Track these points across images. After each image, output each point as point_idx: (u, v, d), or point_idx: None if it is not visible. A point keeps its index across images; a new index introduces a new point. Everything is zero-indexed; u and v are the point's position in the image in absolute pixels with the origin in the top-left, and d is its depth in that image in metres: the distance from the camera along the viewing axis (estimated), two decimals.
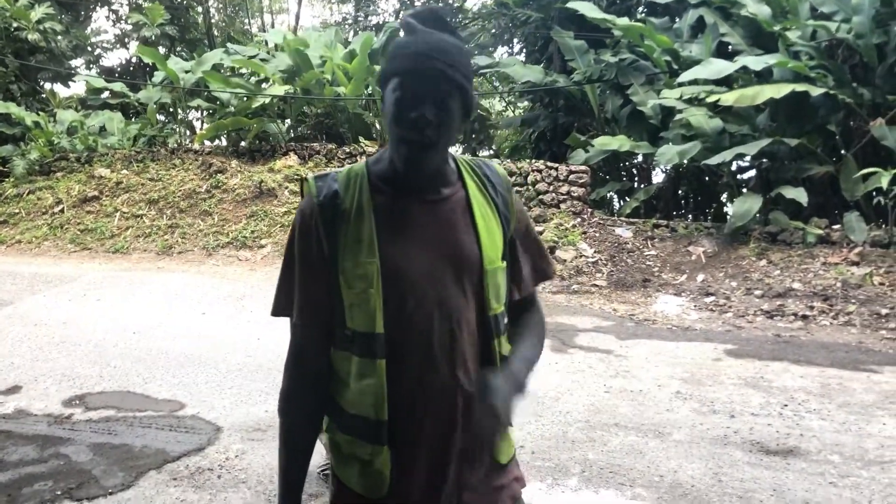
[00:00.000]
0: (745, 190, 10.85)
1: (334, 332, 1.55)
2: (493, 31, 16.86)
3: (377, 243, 1.47)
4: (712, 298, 8.24)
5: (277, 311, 1.60)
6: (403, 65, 1.43)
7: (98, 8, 22.42)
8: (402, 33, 1.50)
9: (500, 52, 18.70)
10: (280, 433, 1.62)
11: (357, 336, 1.49)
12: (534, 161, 12.50)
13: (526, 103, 17.01)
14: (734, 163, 10.87)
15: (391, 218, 1.50)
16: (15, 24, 16.52)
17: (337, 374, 1.56)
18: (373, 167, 1.57)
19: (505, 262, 1.59)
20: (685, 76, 10.07)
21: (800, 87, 8.92)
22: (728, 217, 10.65)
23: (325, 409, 1.60)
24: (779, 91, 8.90)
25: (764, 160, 10.39)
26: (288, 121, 15.04)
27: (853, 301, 7.60)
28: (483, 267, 1.52)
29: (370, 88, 13.43)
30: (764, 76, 10.05)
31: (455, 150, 15.96)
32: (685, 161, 10.00)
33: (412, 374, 1.48)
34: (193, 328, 7.33)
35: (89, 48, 21.15)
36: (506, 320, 1.62)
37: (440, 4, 19.45)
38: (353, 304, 1.49)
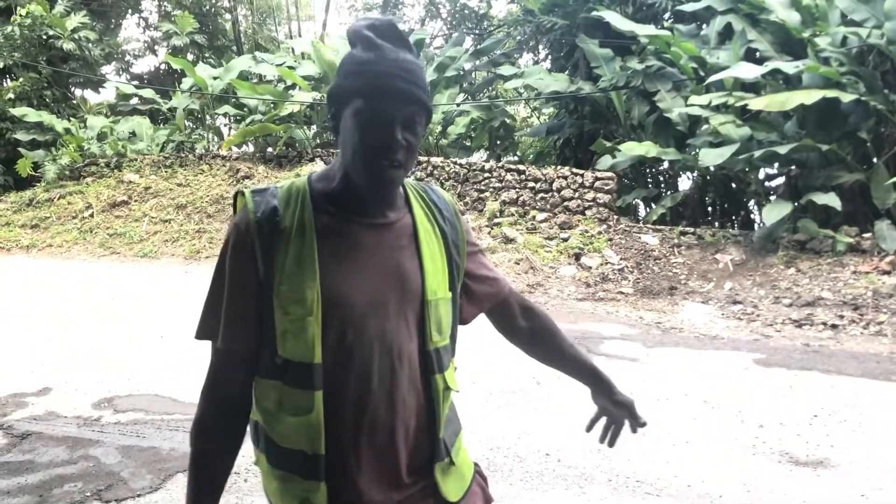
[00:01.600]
0: (773, 197, 10.74)
1: (259, 360, 1.42)
2: (519, 38, 16.85)
3: (318, 267, 1.36)
4: (740, 307, 8.16)
5: (201, 334, 1.48)
6: (369, 85, 1.34)
7: (129, 16, 22.75)
8: (358, 47, 1.38)
9: (526, 58, 18.73)
10: (190, 463, 1.48)
11: (291, 366, 1.37)
12: (559, 167, 12.48)
13: (551, 109, 16.98)
14: (762, 170, 10.78)
15: (334, 241, 1.40)
16: (50, 32, 16.80)
17: (261, 404, 1.44)
18: (316, 184, 1.46)
19: (451, 293, 1.52)
20: (716, 77, 10.00)
21: (830, 94, 8.82)
22: (756, 224, 10.55)
23: (240, 440, 1.48)
24: (809, 97, 8.81)
25: (793, 167, 10.29)
26: (314, 127, 15.13)
27: (884, 310, 7.48)
28: (425, 298, 1.44)
29: None
30: (793, 83, 9.96)
31: (480, 156, 16.03)
32: (724, 162, 9.88)
33: (350, 407, 1.39)
34: None
35: (120, 55, 21.46)
36: (451, 355, 1.54)
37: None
38: (288, 332, 1.36)
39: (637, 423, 1.85)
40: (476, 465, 1.65)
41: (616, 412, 1.92)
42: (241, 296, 1.40)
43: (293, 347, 1.37)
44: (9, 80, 17.78)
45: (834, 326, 7.33)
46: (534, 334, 1.75)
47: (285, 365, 1.38)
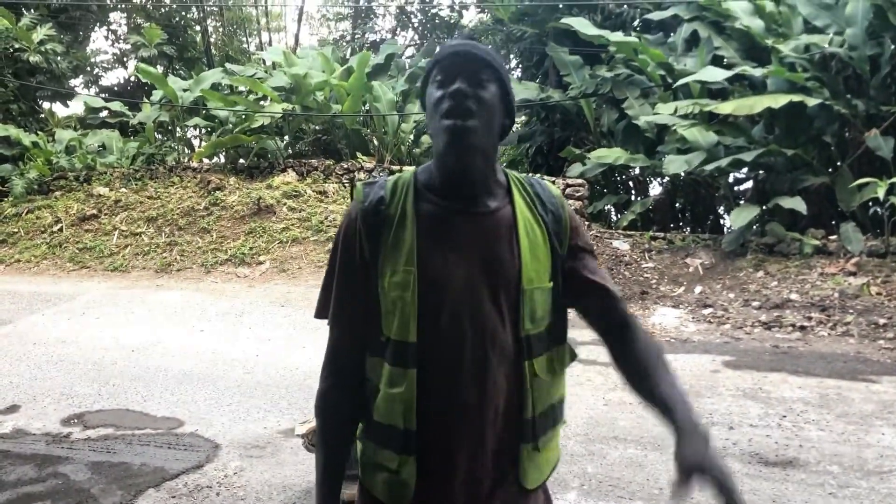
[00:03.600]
0: (741, 202, 10.88)
1: (370, 338, 1.53)
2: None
3: (416, 251, 1.46)
4: (710, 310, 8.25)
5: (319, 313, 1.62)
6: (439, 55, 1.51)
7: (97, 28, 22.55)
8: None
9: None
10: (317, 433, 1.62)
11: (391, 343, 1.48)
12: (530, 174, 12.53)
13: (522, 118, 17.09)
14: (731, 174, 10.92)
15: (433, 227, 1.49)
16: (16, 45, 16.60)
17: (370, 381, 1.54)
18: (420, 176, 1.57)
19: (552, 283, 1.55)
20: (683, 81, 10.13)
21: (796, 98, 8.97)
22: (726, 229, 10.68)
23: (359, 412, 1.58)
24: (776, 101, 8.95)
25: (760, 172, 10.45)
26: (286, 138, 15.09)
27: (851, 311, 7.61)
28: (521, 286, 1.49)
29: (367, 105, 13.50)
30: (758, 88, 10.12)
31: None
32: (692, 169, 9.99)
33: (442, 386, 1.46)
34: (192, 345, 7.33)
35: (88, 68, 21.26)
36: (546, 344, 1.56)
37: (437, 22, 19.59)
38: (390, 311, 1.47)
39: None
40: (547, 489, 1.68)
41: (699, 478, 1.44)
42: (351, 277, 1.53)
43: (393, 326, 1.46)
44: None
45: (802, 328, 7.43)
46: (629, 357, 1.66)
47: (387, 343, 1.48)
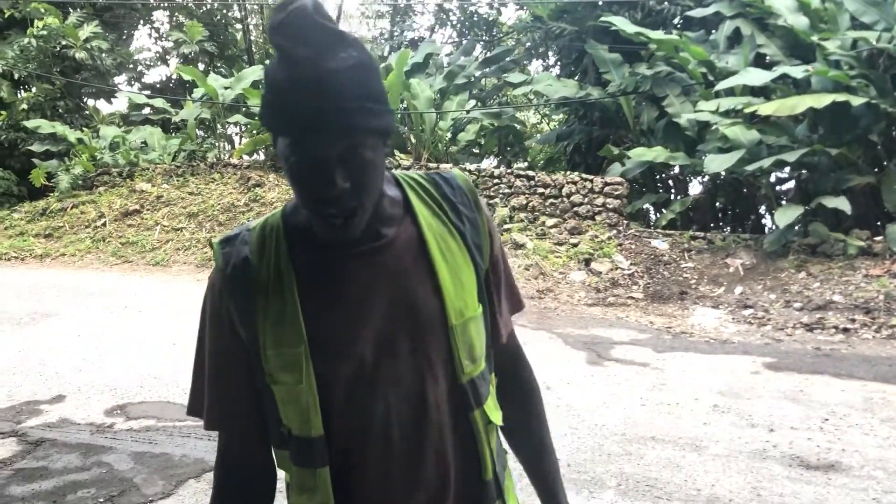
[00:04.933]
0: (784, 202, 10.71)
1: (270, 430, 1.22)
2: (528, 44, 16.88)
3: (303, 322, 1.13)
4: (751, 311, 8.14)
5: (192, 410, 1.27)
6: (289, 124, 1.05)
7: (140, 26, 22.95)
8: (275, 57, 1.08)
9: (535, 65, 18.77)
10: None
11: (292, 439, 1.17)
12: (569, 173, 12.49)
13: (561, 116, 17.01)
14: (773, 174, 10.75)
15: (319, 283, 1.15)
16: (63, 43, 16.97)
17: (285, 476, 1.25)
18: (290, 218, 1.21)
19: (480, 307, 1.24)
20: (724, 84, 10.01)
21: (840, 97, 8.79)
22: (767, 228, 10.52)
23: None
24: (819, 101, 8.78)
25: (803, 171, 10.26)
26: None
27: None
28: (449, 323, 1.18)
29: (405, 103, 13.53)
30: (802, 87, 9.94)
31: (490, 162, 16.07)
32: (733, 168, 9.85)
33: (369, 483, 1.18)
34: None
35: (132, 65, 21.64)
36: (488, 380, 1.28)
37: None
38: (284, 401, 1.16)
39: None
40: None
41: None
42: (227, 367, 1.20)
43: (292, 419, 1.16)
44: (22, 92, 17.95)
45: (845, 330, 7.30)
46: (511, 406, 1.38)
47: (289, 437, 1.18)
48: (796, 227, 9.43)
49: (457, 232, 1.23)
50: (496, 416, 1.27)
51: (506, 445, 1.40)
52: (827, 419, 4.92)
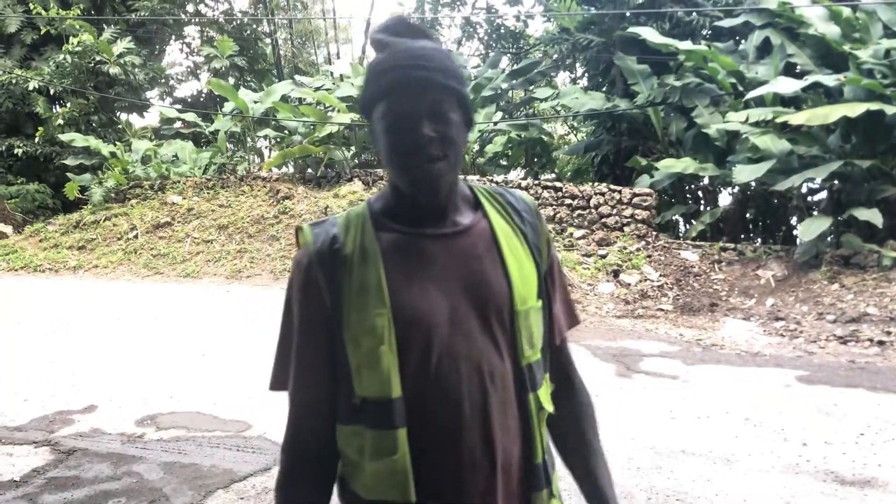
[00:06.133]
0: (815, 212, 10.58)
1: (339, 405, 1.30)
2: (556, 56, 16.88)
3: (387, 290, 1.24)
4: (782, 323, 8.02)
5: (275, 384, 1.38)
6: (386, 84, 1.24)
7: (172, 41, 23.31)
8: (374, 54, 1.30)
9: (563, 76, 18.74)
10: None
11: (368, 405, 1.25)
12: (596, 184, 12.45)
13: (589, 127, 16.95)
14: (804, 185, 10.62)
15: (402, 258, 1.28)
16: (97, 58, 17.29)
17: (346, 456, 1.31)
18: (374, 205, 1.35)
19: (540, 301, 1.36)
20: (754, 93, 9.92)
21: (874, 106, 8.68)
22: (798, 240, 10.39)
23: (328, 497, 1.36)
24: (853, 110, 8.67)
25: (835, 182, 10.13)
26: (353, 148, 15.31)
27: None
28: (514, 308, 1.29)
29: None
30: (834, 97, 9.83)
31: (517, 174, 16.05)
32: (763, 179, 9.73)
33: (440, 443, 1.24)
34: (261, 351, 7.46)
35: (163, 80, 21.98)
36: (544, 370, 1.37)
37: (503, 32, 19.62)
38: (362, 366, 1.25)
39: None
40: None
41: None
42: (312, 336, 1.30)
43: (369, 384, 1.24)
44: (58, 107, 18.31)
45: (881, 343, 7.17)
46: (563, 410, 1.45)
47: (363, 404, 1.25)
48: (828, 238, 9.30)
49: (520, 232, 1.37)
50: (548, 404, 1.35)
51: (556, 453, 1.45)
52: (862, 434, 4.83)
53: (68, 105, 17.60)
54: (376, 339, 1.23)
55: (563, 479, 1.46)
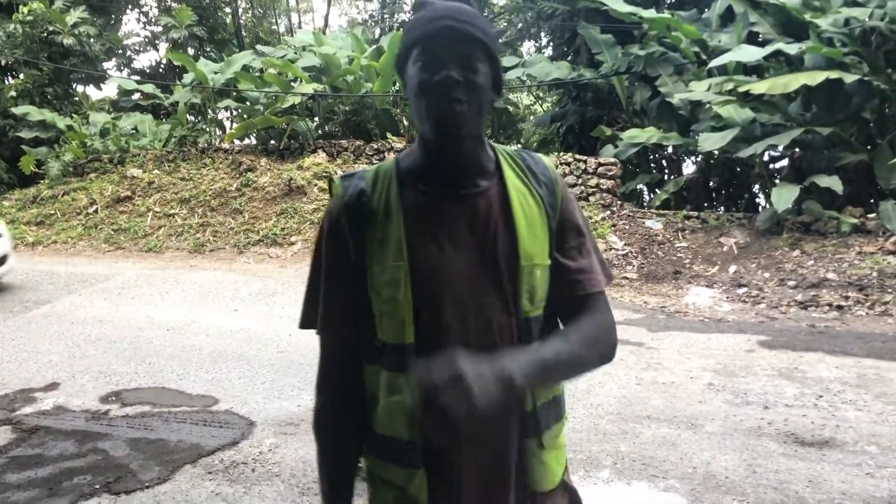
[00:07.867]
0: (777, 180, 10.71)
1: (365, 345, 1.42)
2: (520, 25, 16.79)
3: (406, 244, 1.34)
4: (745, 290, 8.15)
5: (305, 324, 1.47)
6: (420, 32, 1.33)
7: (129, 11, 22.73)
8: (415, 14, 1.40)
9: (527, 46, 18.66)
10: (318, 454, 1.50)
11: (387, 348, 1.37)
12: (561, 154, 12.46)
13: (554, 97, 16.94)
14: (766, 153, 10.74)
15: (422, 216, 1.37)
16: (50, 28, 16.81)
17: (369, 391, 1.43)
18: (402, 162, 1.45)
19: (550, 261, 1.42)
20: (717, 61, 9.96)
21: (833, 75, 8.76)
22: (761, 207, 10.51)
23: (361, 427, 1.47)
24: (813, 78, 8.75)
25: (797, 150, 10.25)
26: (316, 119, 15.13)
27: (889, 291, 7.47)
28: (519, 263, 1.37)
29: (397, 85, 13.46)
30: (795, 65, 9.91)
31: None
32: (727, 147, 9.80)
33: None
34: (226, 325, 7.41)
35: (121, 51, 21.45)
36: (539, 326, 1.42)
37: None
38: (383, 313, 1.37)
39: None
40: (574, 490, 1.54)
41: None
42: (337, 281, 1.41)
43: (388, 329, 1.37)
44: (10, 79, 17.79)
45: (839, 307, 7.32)
46: (569, 324, 1.46)
47: (383, 348, 1.38)
48: (789, 205, 9.43)
49: (537, 194, 1.43)
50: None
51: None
52: (821, 396, 4.94)
53: (21, 76, 17.12)
54: (394, 290, 1.34)
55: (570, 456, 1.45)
